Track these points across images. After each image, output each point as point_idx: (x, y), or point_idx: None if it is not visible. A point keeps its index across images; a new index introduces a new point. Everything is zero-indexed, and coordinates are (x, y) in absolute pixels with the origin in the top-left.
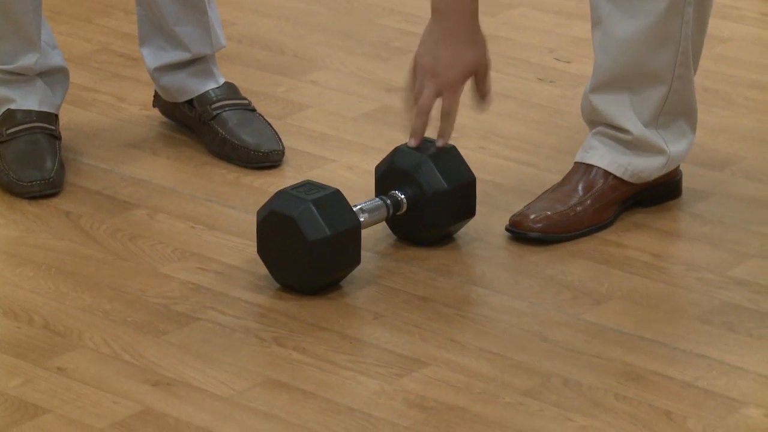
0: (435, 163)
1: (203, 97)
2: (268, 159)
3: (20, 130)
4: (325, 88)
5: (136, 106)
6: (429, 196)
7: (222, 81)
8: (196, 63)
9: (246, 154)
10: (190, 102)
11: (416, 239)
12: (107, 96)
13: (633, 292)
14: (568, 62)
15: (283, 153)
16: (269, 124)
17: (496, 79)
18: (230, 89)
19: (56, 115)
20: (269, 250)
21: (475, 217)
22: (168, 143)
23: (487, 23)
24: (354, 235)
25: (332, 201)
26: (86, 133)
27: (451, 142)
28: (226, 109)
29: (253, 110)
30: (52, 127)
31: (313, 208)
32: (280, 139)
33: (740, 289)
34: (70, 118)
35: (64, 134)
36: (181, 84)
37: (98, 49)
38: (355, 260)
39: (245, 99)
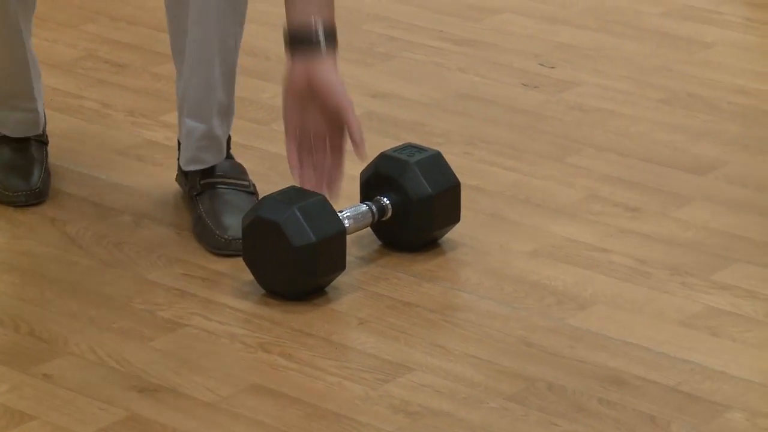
0: (420, 169)
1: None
2: (229, 247)
3: (11, 140)
4: None
5: (122, 112)
6: (414, 202)
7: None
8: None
9: (212, 237)
10: (185, 174)
11: (401, 244)
12: (93, 102)
13: (617, 297)
14: (552, 68)
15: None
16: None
17: (480, 84)
18: (233, 168)
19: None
20: (254, 256)
21: (459, 222)
22: (154, 149)
23: (471, 28)
24: (339, 240)
25: (317, 207)
26: (72, 139)
27: (437, 147)
28: (218, 186)
29: (252, 193)
30: (39, 132)
31: (299, 214)
32: None
33: (723, 294)
34: (55, 124)
35: (50, 141)
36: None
37: (84, 55)
38: (340, 266)
39: (247, 180)
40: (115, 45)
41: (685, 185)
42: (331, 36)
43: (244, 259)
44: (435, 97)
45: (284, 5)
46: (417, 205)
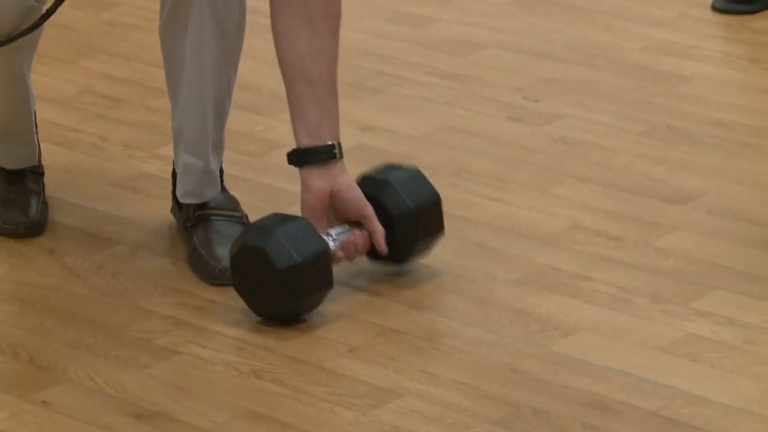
0: (399, 186)
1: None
2: (223, 277)
3: (8, 174)
4: None
5: (119, 145)
6: (395, 218)
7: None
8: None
9: (207, 267)
10: (179, 205)
11: (389, 260)
12: (90, 136)
13: (600, 324)
14: (536, 101)
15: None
16: None
17: (467, 117)
18: (227, 200)
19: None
20: (244, 283)
21: (447, 253)
22: (149, 181)
23: (458, 63)
24: (323, 259)
25: (300, 229)
26: (70, 172)
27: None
28: (212, 218)
29: (245, 224)
30: (35, 163)
31: (281, 237)
32: None
33: (703, 321)
34: (54, 157)
35: (48, 174)
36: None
37: (81, 90)
38: (327, 284)
39: (239, 212)
40: (112, 80)
41: (666, 215)
42: (341, 148)
43: (234, 288)
44: (423, 130)
45: (293, 127)
46: (398, 221)
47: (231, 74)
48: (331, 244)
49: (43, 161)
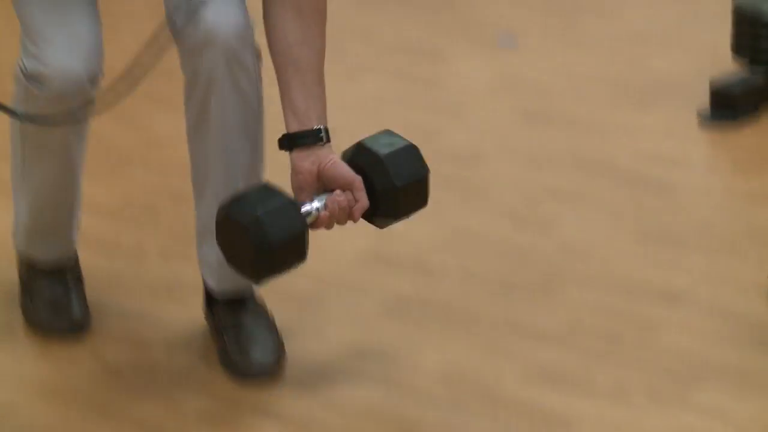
0: (362, 144)
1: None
2: (253, 375)
3: (48, 273)
4: None
5: (154, 252)
6: (368, 169)
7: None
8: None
9: (236, 365)
10: (209, 307)
11: (384, 211)
12: (128, 244)
13: (600, 420)
14: (537, 207)
15: (275, 367)
16: (276, 332)
17: (474, 223)
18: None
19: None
20: (236, 261)
21: (456, 351)
22: (184, 286)
23: (465, 172)
24: (281, 211)
25: (255, 191)
26: (109, 278)
27: (435, 281)
28: (242, 320)
29: (271, 322)
30: (71, 256)
31: (236, 201)
32: (278, 351)
33: (697, 415)
34: (94, 264)
35: (88, 281)
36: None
37: (120, 199)
38: (290, 227)
39: (265, 309)
40: (149, 188)
41: (660, 314)
42: (328, 132)
43: (244, 276)
44: (433, 234)
45: (283, 113)
46: (373, 171)
47: (258, 165)
48: (308, 207)
49: (84, 267)
